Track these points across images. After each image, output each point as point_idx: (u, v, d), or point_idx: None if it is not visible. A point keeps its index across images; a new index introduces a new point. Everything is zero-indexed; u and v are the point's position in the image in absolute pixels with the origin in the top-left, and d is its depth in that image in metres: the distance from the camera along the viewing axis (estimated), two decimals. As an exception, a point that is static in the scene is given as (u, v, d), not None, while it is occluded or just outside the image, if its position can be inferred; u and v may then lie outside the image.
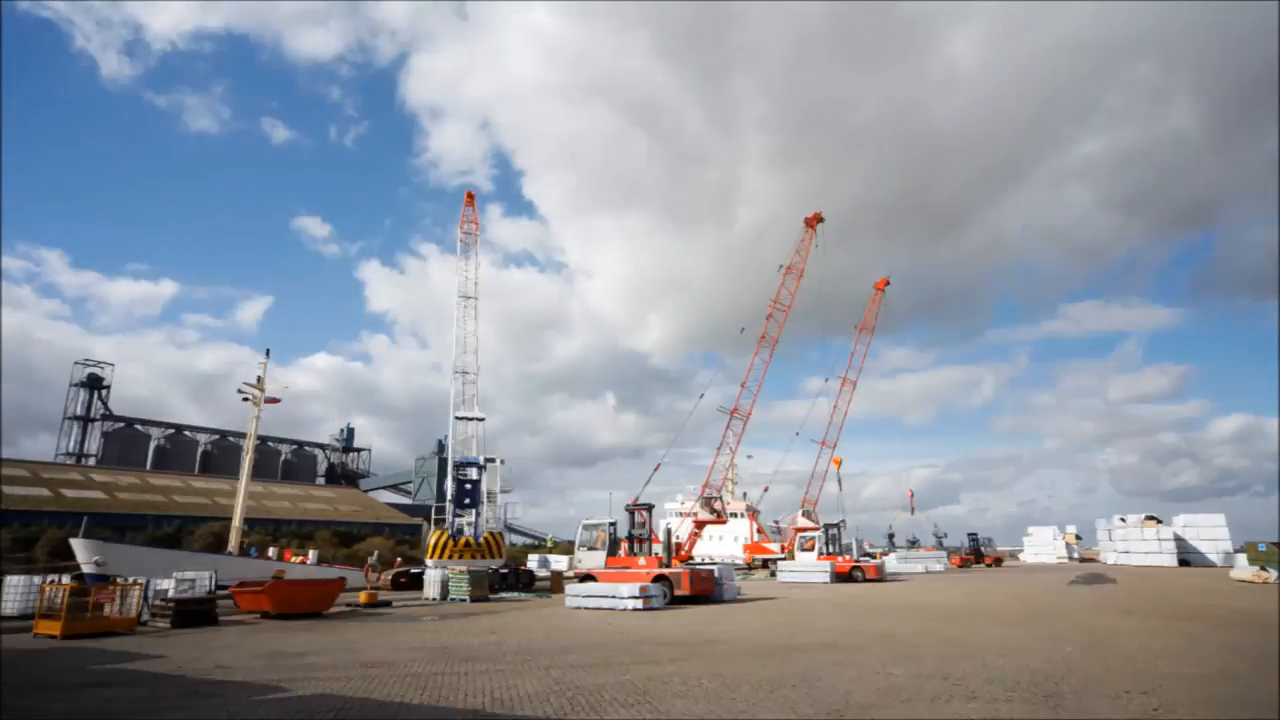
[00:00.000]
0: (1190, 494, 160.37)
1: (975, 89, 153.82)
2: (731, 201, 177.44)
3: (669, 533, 26.75)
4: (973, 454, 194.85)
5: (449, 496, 31.36)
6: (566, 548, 64.93)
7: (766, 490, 63.79)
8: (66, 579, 20.71)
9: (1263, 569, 30.35)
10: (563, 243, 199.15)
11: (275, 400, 31.77)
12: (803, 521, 59.75)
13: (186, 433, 78.05)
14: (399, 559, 41.78)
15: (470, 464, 31.64)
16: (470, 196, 36.85)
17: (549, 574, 36.96)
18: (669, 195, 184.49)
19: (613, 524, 27.33)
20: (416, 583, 29.50)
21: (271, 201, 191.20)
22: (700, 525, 46.69)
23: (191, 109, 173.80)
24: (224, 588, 22.17)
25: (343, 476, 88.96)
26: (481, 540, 30.62)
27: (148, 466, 69.10)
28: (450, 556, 29.41)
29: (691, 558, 48.31)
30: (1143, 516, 57.10)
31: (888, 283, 60.40)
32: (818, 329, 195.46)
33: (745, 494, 65.90)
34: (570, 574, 32.06)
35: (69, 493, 49.75)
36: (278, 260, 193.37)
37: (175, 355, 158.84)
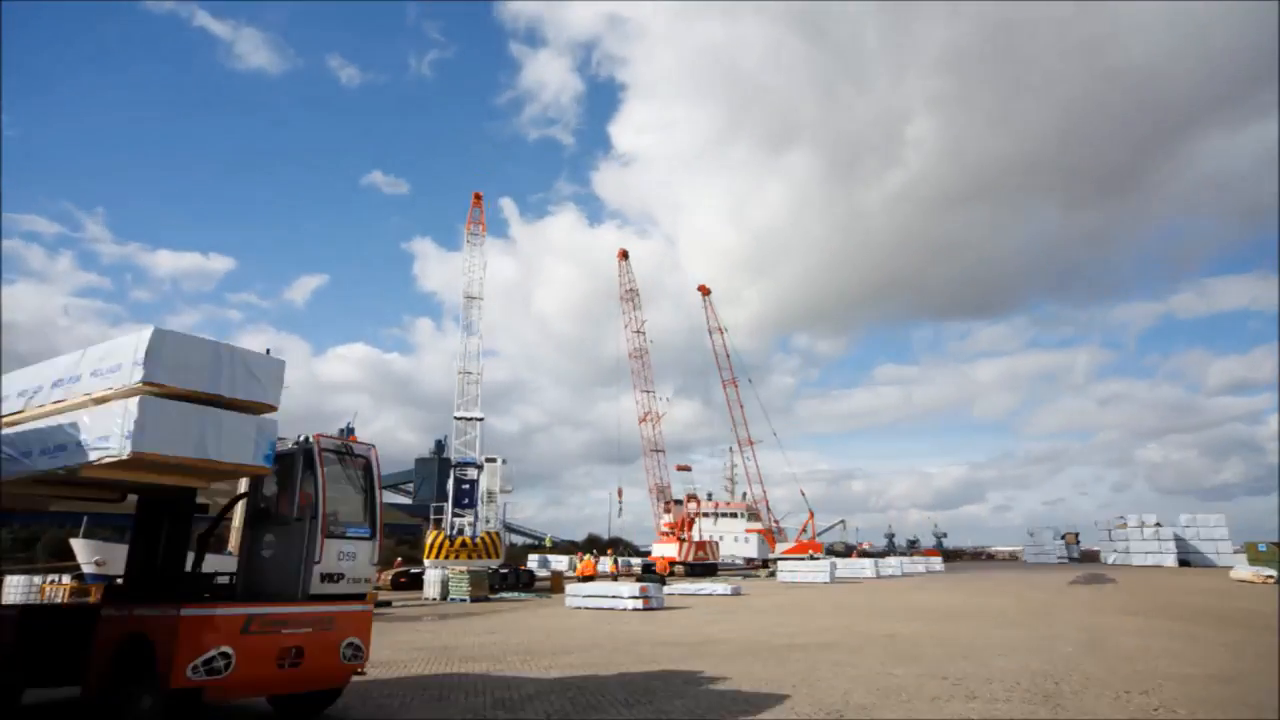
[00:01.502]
0: (1229, 491, 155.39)
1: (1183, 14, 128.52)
2: (886, 148, 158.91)
3: None
4: (1014, 450, 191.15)
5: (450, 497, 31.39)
6: (567, 548, 64.99)
7: (804, 495, 64.13)
8: (66, 579, 20.72)
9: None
10: (661, 201, 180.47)
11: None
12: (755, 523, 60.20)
13: (186, 433, 77.96)
14: (399, 559, 41.78)
15: (469, 464, 31.64)
16: (478, 197, 36.98)
17: (549, 574, 36.99)
18: (817, 132, 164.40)
19: None
20: (416, 583, 29.50)
21: (332, 155, 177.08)
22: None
23: (248, 39, 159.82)
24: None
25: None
26: (479, 540, 30.62)
27: (148, 466, 69.04)
28: (447, 556, 29.40)
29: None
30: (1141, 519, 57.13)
31: (708, 290, 60.65)
32: (893, 314, 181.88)
33: (745, 494, 65.90)
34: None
35: (69, 493, 49.68)
36: (337, 227, 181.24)
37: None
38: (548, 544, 61.65)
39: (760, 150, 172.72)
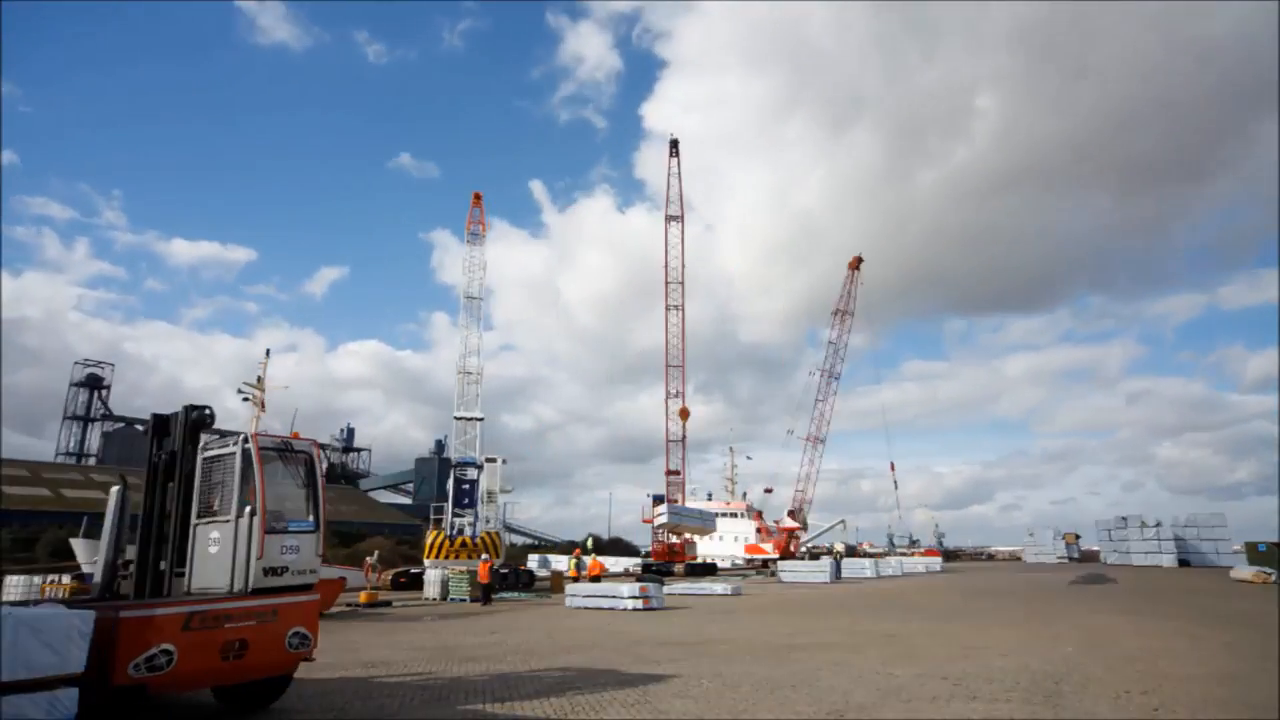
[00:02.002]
0: (1240, 490, 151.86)
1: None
2: (951, 120, 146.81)
3: None
4: (1030, 448, 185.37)
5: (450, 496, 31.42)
6: (565, 548, 65.04)
7: (770, 491, 63.87)
8: (66, 579, 20.73)
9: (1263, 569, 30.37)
10: (701, 185, 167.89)
11: (261, 409, 31.76)
12: (788, 522, 59.87)
13: (186, 433, 78.06)
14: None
15: (469, 464, 31.65)
16: (478, 197, 36.94)
17: (549, 574, 36.97)
18: (880, 105, 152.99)
19: None
20: (416, 583, 29.51)
21: (359, 138, 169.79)
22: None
23: (270, 11, 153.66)
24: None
25: (343, 476, 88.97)
26: (479, 540, 30.64)
27: (148, 466, 69.06)
28: (447, 556, 29.41)
29: (698, 558, 48.50)
30: (1141, 518, 57.12)
31: (860, 260, 59.14)
32: (927, 308, 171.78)
33: (745, 494, 65.91)
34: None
35: (69, 493, 49.76)
36: (361, 216, 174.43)
37: (230, 343, 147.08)
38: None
39: (817, 125, 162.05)
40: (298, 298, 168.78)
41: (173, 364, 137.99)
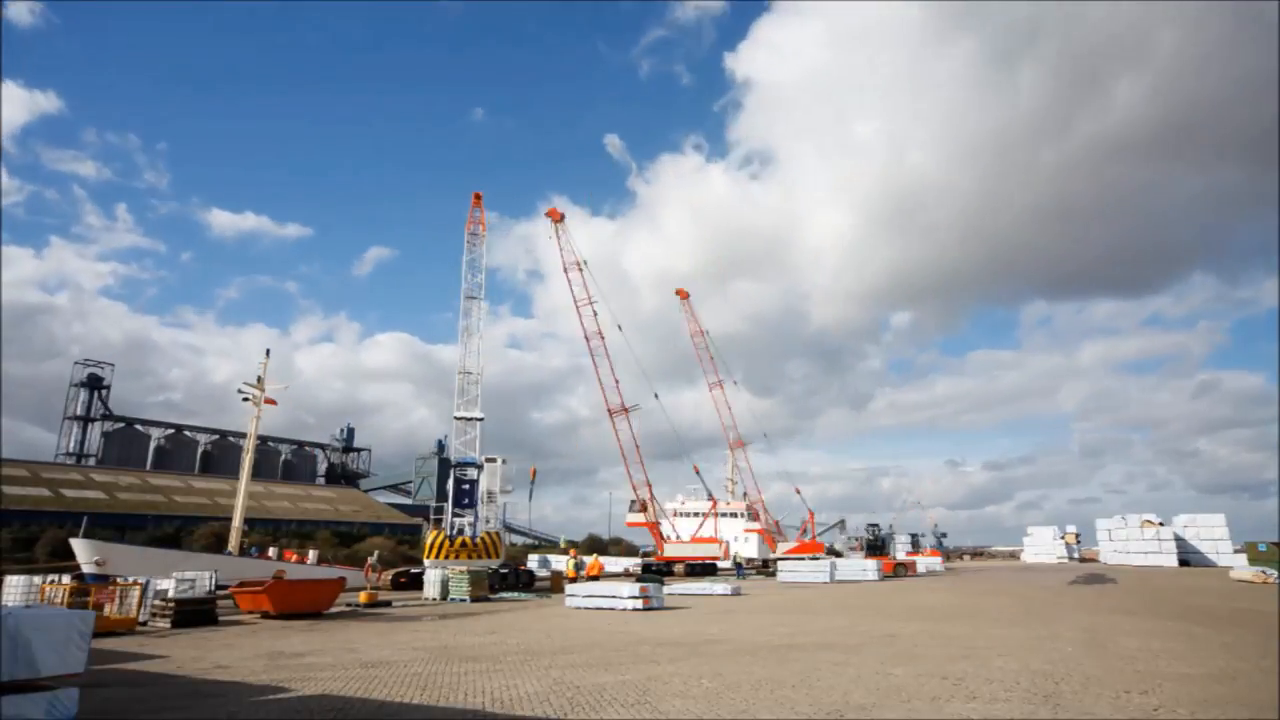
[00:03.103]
0: (1267, 490, 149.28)
1: None
2: (1129, 54, 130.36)
3: None
4: (1066, 445, 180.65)
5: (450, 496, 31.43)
6: (565, 549, 65.07)
7: (761, 493, 63.95)
8: (66, 579, 20.73)
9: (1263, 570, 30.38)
10: (792, 145, 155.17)
11: (272, 402, 31.99)
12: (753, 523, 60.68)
13: (186, 433, 78.04)
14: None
15: (469, 464, 31.64)
16: (478, 197, 36.71)
17: (549, 574, 36.96)
18: (1052, 37, 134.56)
19: None
20: (416, 583, 29.52)
21: (429, 95, 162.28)
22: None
23: None
24: (224, 588, 22.18)
25: (343, 476, 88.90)
26: (479, 540, 30.65)
27: (148, 466, 69.05)
28: (447, 556, 29.42)
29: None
30: (1142, 518, 57.17)
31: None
32: (1008, 290, 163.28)
33: (745, 493, 65.80)
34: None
35: (69, 493, 49.74)
36: (419, 187, 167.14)
37: (265, 333, 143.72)
38: (562, 545, 61.64)
39: (983, 54, 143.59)
40: (341, 280, 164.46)
41: (204, 356, 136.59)
